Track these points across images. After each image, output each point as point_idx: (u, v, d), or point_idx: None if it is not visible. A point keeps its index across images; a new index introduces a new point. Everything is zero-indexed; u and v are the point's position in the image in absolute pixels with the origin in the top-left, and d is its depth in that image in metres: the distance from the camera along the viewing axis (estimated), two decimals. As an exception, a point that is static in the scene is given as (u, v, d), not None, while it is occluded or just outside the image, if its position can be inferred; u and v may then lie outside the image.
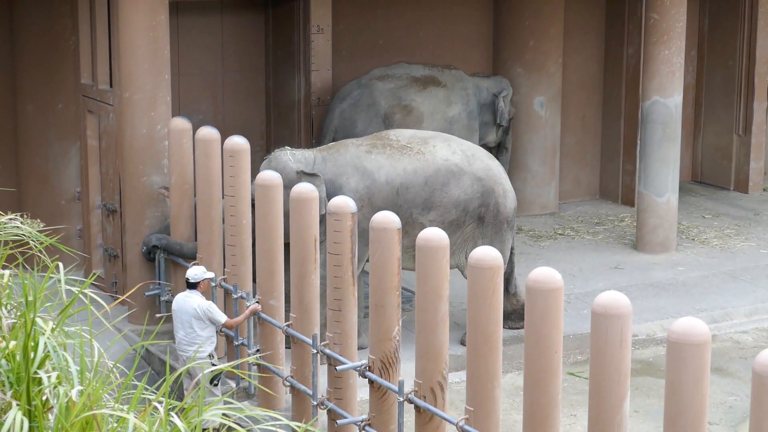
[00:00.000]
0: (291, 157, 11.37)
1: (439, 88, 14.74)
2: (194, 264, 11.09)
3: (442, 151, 11.61)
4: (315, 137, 14.49)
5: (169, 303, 11.11)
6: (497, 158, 15.67)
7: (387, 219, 8.78)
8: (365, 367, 8.87)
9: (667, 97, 14.66)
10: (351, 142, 11.70)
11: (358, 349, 9.76)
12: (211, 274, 10.33)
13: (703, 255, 14.96)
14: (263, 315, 10.11)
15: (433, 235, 8.33)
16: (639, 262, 14.61)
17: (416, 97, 14.56)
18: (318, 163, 11.42)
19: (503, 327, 8.57)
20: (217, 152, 11.01)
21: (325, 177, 11.21)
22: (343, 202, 9.22)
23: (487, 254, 7.91)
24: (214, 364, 9.61)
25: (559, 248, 15.19)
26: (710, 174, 18.09)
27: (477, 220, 11.55)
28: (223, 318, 10.00)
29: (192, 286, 10.00)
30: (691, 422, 6.83)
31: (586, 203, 17.07)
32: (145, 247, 11.69)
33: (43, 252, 5.69)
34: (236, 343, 10.54)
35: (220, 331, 10.15)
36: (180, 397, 9.67)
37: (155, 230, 11.78)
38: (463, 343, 11.26)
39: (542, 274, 7.52)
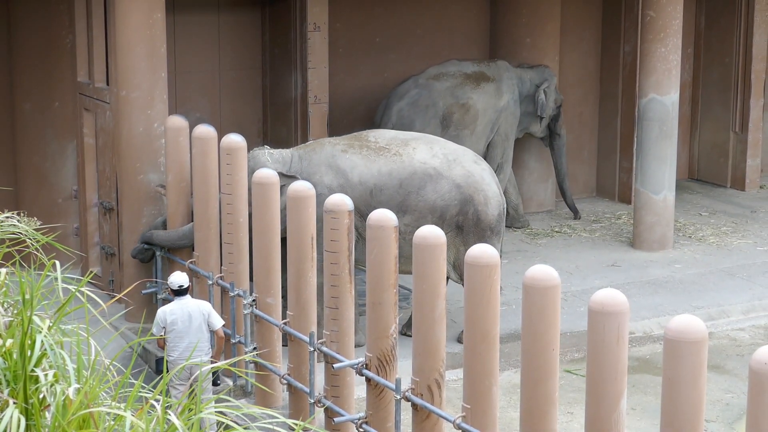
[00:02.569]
0: (269, 157, 11.39)
1: (489, 82, 15.12)
2: (190, 262, 11.10)
3: (421, 153, 11.52)
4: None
5: (166, 301, 11.10)
6: (551, 146, 15.90)
7: (384, 217, 8.78)
8: (362, 365, 8.87)
9: (663, 94, 14.67)
10: (328, 141, 11.70)
11: (355, 346, 9.74)
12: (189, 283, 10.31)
13: (699, 252, 14.97)
14: (260, 313, 10.10)
15: (430, 233, 8.34)
16: (636, 260, 14.62)
17: (472, 95, 14.96)
18: (295, 162, 11.42)
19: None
20: (214, 150, 11.01)
21: (301, 176, 11.21)
22: (340, 200, 9.22)
23: (484, 252, 7.91)
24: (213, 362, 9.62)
25: (556, 246, 15.19)
26: (707, 171, 18.10)
27: (455, 228, 11.40)
28: (220, 323, 9.97)
29: (185, 292, 9.95)
30: (687, 419, 6.83)
31: (583, 201, 17.06)
32: (137, 250, 11.69)
33: (40, 250, 5.68)
34: (233, 341, 10.53)
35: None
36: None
37: (150, 228, 11.78)
38: (460, 341, 11.26)
39: (539, 271, 7.51)
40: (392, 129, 14.56)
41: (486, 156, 15.19)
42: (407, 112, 14.78)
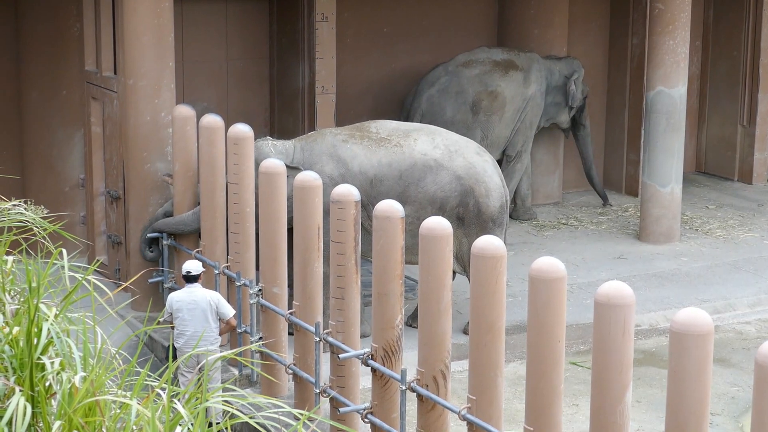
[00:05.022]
0: (272, 148, 11.39)
1: (518, 71, 15.26)
2: (196, 251, 11.11)
3: (422, 145, 11.50)
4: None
5: (172, 290, 11.10)
6: (575, 136, 15.97)
7: (390, 207, 8.76)
8: (368, 356, 8.86)
9: (671, 87, 14.63)
10: (329, 132, 11.70)
11: (361, 337, 9.74)
12: (204, 269, 10.30)
13: (706, 246, 14.95)
14: (266, 302, 10.11)
15: (436, 224, 8.31)
16: (642, 253, 14.60)
17: (500, 82, 15.10)
18: (297, 153, 11.43)
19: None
20: (221, 140, 11.00)
21: (303, 166, 11.21)
22: (347, 191, 9.20)
23: (490, 243, 7.89)
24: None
25: (562, 238, 15.17)
26: (714, 164, 18.06)
27: (457, 220, 11.37)
28: (231, 312, 9.97)
29: (193, 279, 9.96)
30: (693, 412, 6.83)
31: (590, 193, 17.04)
32: (145, 243, 11.71)
33: (47, 238, 5.69)
34: (239, 331, 10.54)
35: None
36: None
37: (150, 219, 11.79)
38: (465, 332, 11.26)
39: (545, 263, 7.50)
40: (423, 116, 14.71)
41: (508, 143, 15.30)
42: (437, 98, 14.90)
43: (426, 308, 8.34)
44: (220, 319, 9.92)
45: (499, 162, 15.29)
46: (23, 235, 5.81)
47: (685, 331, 6.77)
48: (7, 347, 4.64)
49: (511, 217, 15.30)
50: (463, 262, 11.53)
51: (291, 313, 9.82)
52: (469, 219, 11.48)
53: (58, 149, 13.47)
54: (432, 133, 11.69)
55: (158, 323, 10.27)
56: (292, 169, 11.04)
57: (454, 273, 11.33)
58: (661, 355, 11.87)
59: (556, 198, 16.72)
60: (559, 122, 15.95)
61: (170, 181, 11.75)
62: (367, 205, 11.15)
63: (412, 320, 11.55)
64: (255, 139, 11.01)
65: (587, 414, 8.97)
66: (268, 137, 11.75)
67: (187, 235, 11.55)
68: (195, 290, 9.90)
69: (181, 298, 9.90)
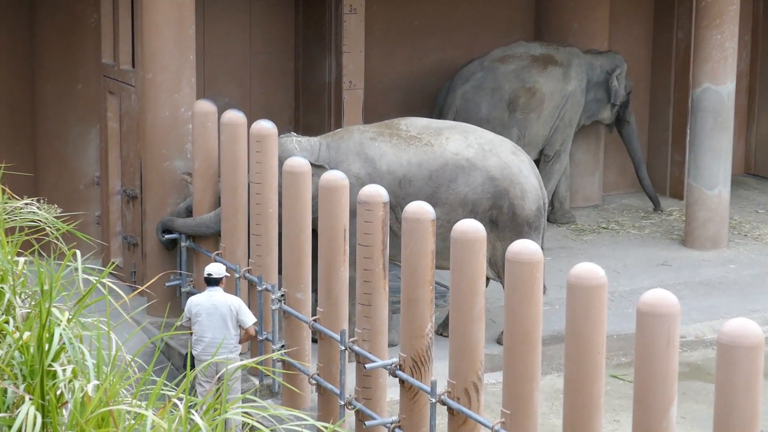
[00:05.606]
0: (297, 145, 11.41)
1: (557, 66, 15.26)
2: (216, 254, 11.12)
3: (454, 144, 11.49)
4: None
5: (190, 294, 11.12)
6: (621, 134, 15.92)
7: (421, 209, 8.76)
8: (396, 366, 8.85)
9: (719, 84, 14.54)
10: (357, 129, 11.73)
11: (389, 346, 9.73)
12: (228, 274, 10.31)
13: (756, 252, 14.84)
14: (289, 309, 10.10)
15: (469, 227, 8.30)
16: (688, 259, 14.52)
17: (538, 78, 15.09)
18: (322, 150, 11.45)
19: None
20: (243, 137, 11.02)
21: (329, 165, 11.22)
22: (375, 191, 9.21)
23: (525, 248, 7.86)
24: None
25: (602, 243, 15.11)
26: (764, 166, 17.93)
27: (490, 223, 11.31)
28: (251, 320, 9.96)
29: (214, 282, 9.97)
30: (742, 430, 6.76)
31: (632, 195, 16.97)
32: (163, 235, 11.76)
33: (60, 239, 5.70)
34: (260, 338, 10.54)
35: None
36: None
37: (172, 214, 11.82)
38: (499, 342, 11.21)
39: (585, 270, 7.47)
40: (456, 113, 14.69)
41: (546, 142, 15.26)
42: (472, 95, 14.90)
43: (458, 316, 8.32)
44: (240, 327, 9.92)
45: (537, 162, 15.24)
46: (35, 236, 5.82)
47: (733, 342, 6.71)
48: (17, 353, 4.64)
49: (548, 220, 15.24)
50: (497, 267, 11.50)
51: (315, 320, 9.81)
52: (503, 222, 11.44)
53: (72, 146, 13.52)
54: (465, 132, 11.66)
55: (176, 329, 10.28)
56: (318, 167, 11.04)
57: (488, 279, 11.29)
58: (707, 368, 11.79)
59: (596, 200, 16.65)
60: (602, 119, 15.92)
61: (189, 180, 11.77)
62: (395, 206, 11.13)
63: (442, 329, 11.53)
64: (279, 136, 11.02)
65: (629, 431, 8.92)
66: (292, 134, 11.76)
67: (206, 237, 11.56)
68: (215, 294, 9.91)
69: (200, 301, 9.91)
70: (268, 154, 10.61)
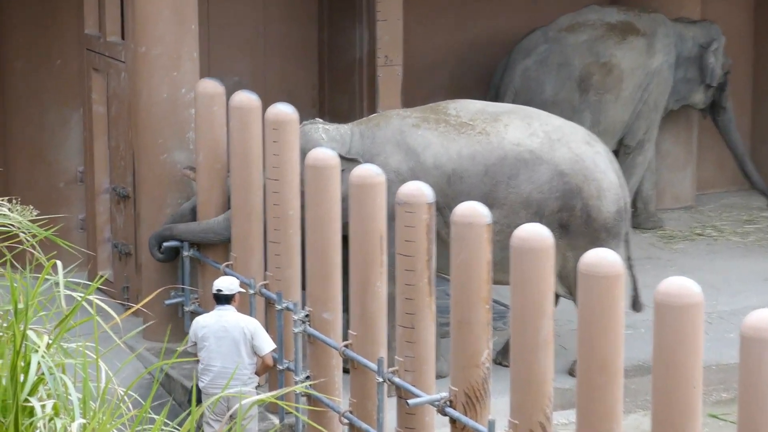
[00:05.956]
0: (324, 134, 11.43)
1: (639, 36, 15.25)
2: (226, 266, 11.14)
3: (515, 132, 11.49)
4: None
5: (194, 314, 11.15)
6: (715, 122, 15.89)
7: (474, 211, 8.76)
8: (445, 402, 8.85)
9: (840, 57, 14.47)
10: (396, 114, 11.76)
11: (437, 377, 9.73)
12: (242, 289, 10.34)
13: None
14: (314, 332, 10.12)
15: (533, 232, 8.31)
16: (802, 272, 14.47)
17: (616, 52, 15.08)
18: (355, 140, 11.48)
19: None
20: (258, 123, 11.04)
21: (363, 158, 11.24)
22: (418, 189, 9.22)
23: (603, 259, 7.87)
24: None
25: (697, 252, 15.07)
26: None
27: (559, 228, 11.26)
28: (269, 346, 9.98)
29: (224, 300, 9.99)
30: None
31: (733, 194, 16.91)
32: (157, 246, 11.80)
33: (37, 247, 5.72)
34: (280, 368, 10.56)
35: None
36: None
37: (174, 215, 11.86)
38: (572, 373, 11.18)
39: (675, 285, 7.47)
40: (516, 94, 14.67)
41: (627, 130, 15.19)
42: (535, 72, 14.89)
43: (520, 341, 8.31)
44: (256, 354, 9.94)
45: (615, 154, 15.19)
46: (6, 243, 5.85)
47: None
48: (-14, 386, 4.67)
49: (631, 225, 15.18)
50: (568, 282, 11.47)
51: (346, 346, 9.83)
52: (576, 227, 11.41)
53: (50, 134, 13.58)
54: (527, 117, 11.66)
55: (178, 356, 10.31)
56: (349, 161, 11.05)
57: (557, 297, 11.26)
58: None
59: (689, 201, 16.59)
60: (694, 103, 15.85)
61: (192, 175, 11.81)
62: (443, 207, 11.12)
63: (502, 357, 11.52)
64: (301, 123, 11.03)
65: (730, 481, 8.89)
66: (317, 120, 11.77)
67: (214, 245, 11.60)
68: (226, 314, 9.93)
69: (208, 323, 9.94)
70: (287, 145, 10.62)
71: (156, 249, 11.78)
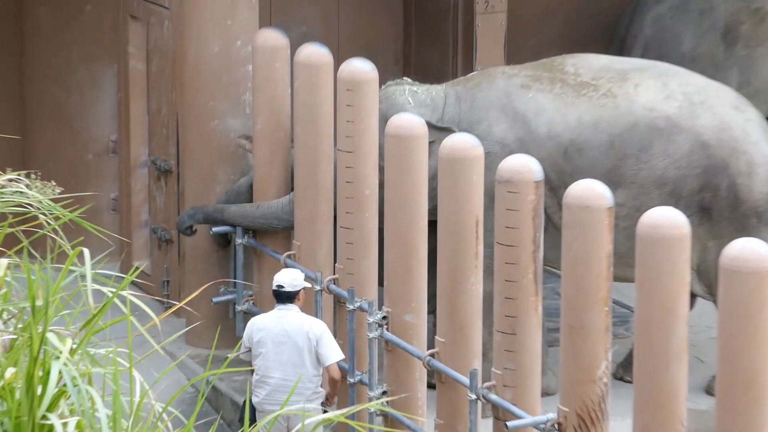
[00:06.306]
0: (410, 97, 11.42)
1: None
2: (287, 256, 11.17)
3: (647, 93, 11.44)
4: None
5: (248, 315, 11.19)
6: None
7: (591, 191, 8.75)
8: (552, 425, 8.87)
9: None
10: (501, 72, 11.73)
11: (543, 395, 9.72)
12: (308, 285, 10.37)
13: None
14: (393, 338, 10.14)
15: (665, 218, 8.29)
16: None
17: None
18: (449, 105, 11.46)
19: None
20: (329, 83, 11.08)
21: (460, 126, 11.22)
22: (523, 164, 9.22)
23: (751, 250, 7.87)
24: (325, 411, 9.69)
25: None
26: None
27: (699, 212, 11.23)
28: (337, 355, 10.01)
29: (287, 297, 10.02)
30: None
31: None
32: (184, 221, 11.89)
33: (60, 232, 5.74)
34: (351, 381, 10.59)
35: None
36: None
37: (228, 194, 11.92)
38: (710, 391, 11.13)
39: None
40: (646, 47, 14.58)
41: None
42: (669, 21, 14.79)
43: (647, 352, 8.32)
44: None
45: (769, 121, 15.10)
46: (23, 227, 5.88)
47: None
48: (-4, 399, 4.72)
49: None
50: (707, 279, 11.39)
51: (432, 355, 9.83)
52: (720, 211, 11.33)
53: (77, 96, 13.64)
54: (663, 75, 11.61)
55: (228, 365, 10.37)
56: (440, 130, 11.04)
57: (693, 297, 11.20)
58: None
59: None
60: None
61: (249, 146, 11.85)
62: (558, 187, 11.07)
63: (623, 371, 11.47)
64: (383, 84, 11.03)
65: None
66: (405, 80, 11.74)
67: (274, 232, 11.66)
68: (288, 315, 9.98)
69: (266, 325, 9.99)
70: (364, 110, 10.63)
71: (188, 224, 11.80)
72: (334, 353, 10.00)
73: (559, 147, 11.36)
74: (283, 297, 10.03)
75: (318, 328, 10.00)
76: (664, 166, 11.34)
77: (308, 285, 10.40)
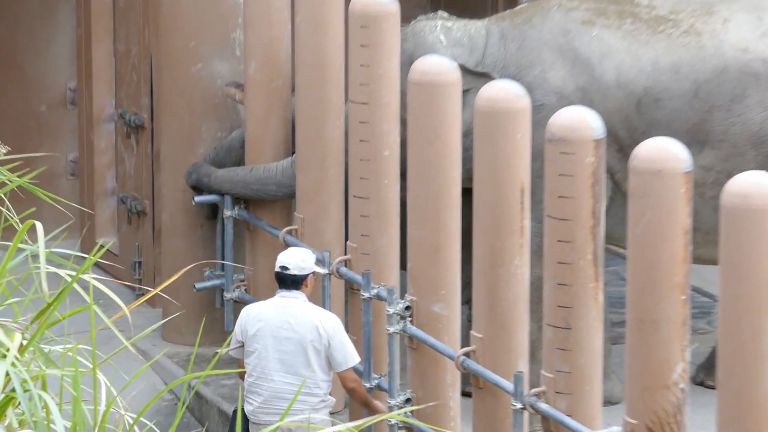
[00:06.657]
0: (443, 35, 11.43)
1: None
2: (287, 233, 11.16)
3: (739, 30, 11.48)
4: None
5: (239, 305, 11.20)
6: None
7: (665, 151, 8.71)
8: (618, 440, 8.89)
9: None
10: (558, 5, 11.72)
11: (604, 404, 9.71)
12: (320, 269, 10.35)
13: None
14: (419, 333, 10.15)
15: (755, 185, 8.28)
16: None
17: None
18: (491, 44, 11.48)
19: None
20: (338, 19, 11.11)
21: (504, 71, 11.22)
22: (580, 119, 9.20)
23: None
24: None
25: None
26: None
27: None
28: (353, 360, 10.03)
29: (291, 282, 10.01)
30: None
31: None
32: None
33: (6, 202, 5.74)
34: (368, 385, 10.58)
35: None
36: None
37: (214, 152, 11.92)
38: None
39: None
40: None
41: None
42: None
43: (733, 351, 8.32)
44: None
45: None
46: (-37, 195, 5.87)
47: None
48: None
49: None
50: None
51: (467, 354, 9.84)
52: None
53: (27, 34, 13.67)
54: (758, 9, 11.63)
55: (215, 366, 10.38)
56: (477, 76, 11.06)
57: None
58: None
59: None
60: None
61: (240, 96, 11.84)
62: (628, 146, 11.04)
63: (704, 374, 11.51)
64: (413, 20, 11.04)
65: None
66: (439, 14, 11.69)
67: (272, 201, 11.64)
68: (294, 305, 9.99)
69: (264, 315, 10.00)
70: (382, 51, 10.62)
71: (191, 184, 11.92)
72: (350, 356, 9.98)
73: (630, 97, 11.36)
74: (288, 281, 9.97)
75: (330, 324, 9.97)
76: (761, 121, 11.32)
77: (319, 269, 10.34)
